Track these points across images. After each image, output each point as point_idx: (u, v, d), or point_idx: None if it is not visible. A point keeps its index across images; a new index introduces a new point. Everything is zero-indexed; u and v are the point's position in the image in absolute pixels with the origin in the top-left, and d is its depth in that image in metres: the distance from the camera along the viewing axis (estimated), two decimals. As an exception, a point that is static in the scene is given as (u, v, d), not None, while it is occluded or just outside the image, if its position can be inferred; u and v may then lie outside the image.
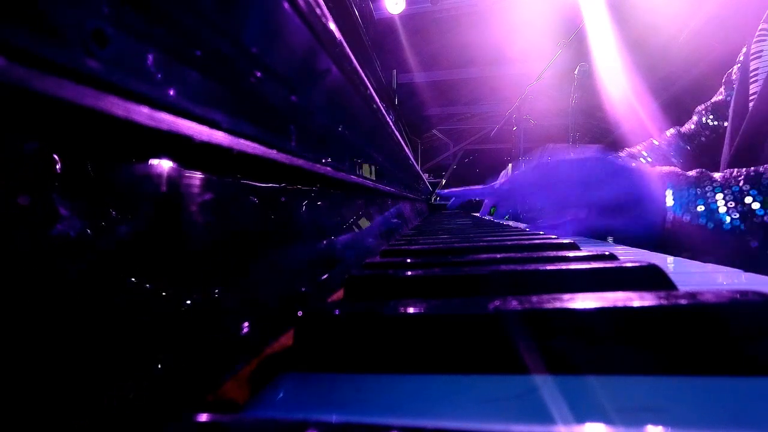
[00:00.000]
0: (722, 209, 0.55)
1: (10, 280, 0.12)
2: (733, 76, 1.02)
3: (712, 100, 1.11)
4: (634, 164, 0.69)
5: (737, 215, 0.54)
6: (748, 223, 0.53)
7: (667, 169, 0.65)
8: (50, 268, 0.13)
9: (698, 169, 0.62)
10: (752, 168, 0.56)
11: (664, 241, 0.61)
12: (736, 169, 0.57)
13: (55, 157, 0.14)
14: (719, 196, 0.56)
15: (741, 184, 0.55)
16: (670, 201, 0.60)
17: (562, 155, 0.74)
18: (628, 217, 0.64)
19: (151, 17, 0.17)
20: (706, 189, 0.57)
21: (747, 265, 0.37)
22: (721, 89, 1.08)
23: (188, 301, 0.19)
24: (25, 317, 0.12)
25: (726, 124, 1.01)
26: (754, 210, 0.53)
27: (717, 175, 0.59)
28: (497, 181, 0.95)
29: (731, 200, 0.55)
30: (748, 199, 0.54)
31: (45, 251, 0.13)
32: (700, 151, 1.10)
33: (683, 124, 1.18)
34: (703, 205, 0.57)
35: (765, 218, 0.52)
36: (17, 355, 0.11)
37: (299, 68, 0.36)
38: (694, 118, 1.15)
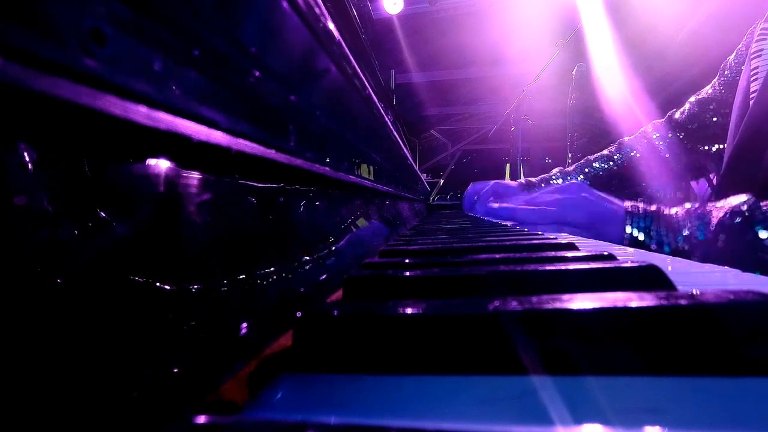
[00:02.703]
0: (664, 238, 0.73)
1: (8, 280, 0.12)
2: (726, 70, 1.05)
3: (703, 92, 1.13)
4: (607, 151, 0.92)
5: (679, 241, 0.71)
6: (689, 246, 0.69)
7: (628, 204, 0.83)
8: (47, 269, 0.13)
9: (656, 206, 0.79)
10: (700, 209, 0.71)
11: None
12: (684, 210, 0.73)
13: (53, 156, 0.14)
14: (662, 229, 0.74)
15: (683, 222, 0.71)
16: (628, 229, 0.78)
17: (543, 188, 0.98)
18: (592, 234, 0.82)
19: (149, 16, 0.17)
20: (659, 222, 0.75)
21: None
22: (715, 80, 1.10)
23: (186, 302, 0.19)
24: (21, 318, 0.12)
25: (715, 119, 1.07)
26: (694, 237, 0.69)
27: (671, 211, 0.75)
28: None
29: (673, 231, 0.72)
30: (685, 232, 0.70)
31: (42, 251, 0.13)
32: (690, 139, 1.14)
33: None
34: (655, 233, 0.74)
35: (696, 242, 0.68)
36: (17, 354, 0.11)
37: (298, 68, 0.35)
38: (686, 106, 1.17)
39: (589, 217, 0.84)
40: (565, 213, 0.87)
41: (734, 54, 1.04)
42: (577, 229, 0.85)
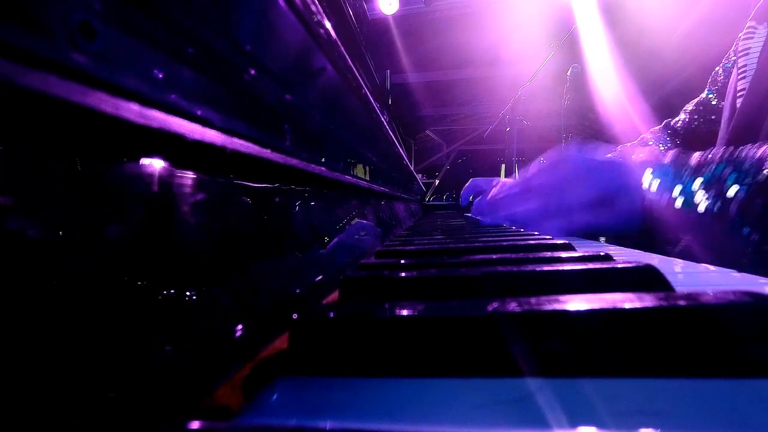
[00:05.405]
0: (698, 191, 0.53)
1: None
2: (719, 77, 1.04)
3: (696, 100, 1.13)
4: (609, 155, 0.69)
5: (712, 197, 0.51)
6: (721, 205, 0.49)
7: (644, 153, 0.64)
8: (35, 270, 0.12)
9: (675, 150, 0.61)
10: (729, 150, 0.53)
11: (645, 228, 0.60)
12: (712, 151, 0.55)
13: (40, 156, 0.13)
14: (696, 177, 0.53)
15: (717, 166, 0.52)
16: (647, 184, 0.58)
17: (534, 164, 0.75)
18: (609, 210, 0.63)
19: (142, 11, 0.17)
20: (683, 170, 0.56)
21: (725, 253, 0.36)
22: (706, 89, 1.11)
23: (180, 304, 0.18)
24: (12, 321, 0.11)
25: (704, 124, 1.04)
26: (730, 192, 0.49)
27: (695, 156, 0.57)
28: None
29: (706, 181, 0.52)
30: (724, 183, 0.51)
31: (30, 252, 0.12)
32: (687, 146, 1.12)
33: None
34: (680, 184, 0.55)
35: (738, 199, 0.48)
36: (8, 359, 0.11)
37: (294, 66, 0.35)
38: (682, 115, 1.17)
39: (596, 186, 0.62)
40: (561, 189, 0.66)
41: (721, 68, 1.03)
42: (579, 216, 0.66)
